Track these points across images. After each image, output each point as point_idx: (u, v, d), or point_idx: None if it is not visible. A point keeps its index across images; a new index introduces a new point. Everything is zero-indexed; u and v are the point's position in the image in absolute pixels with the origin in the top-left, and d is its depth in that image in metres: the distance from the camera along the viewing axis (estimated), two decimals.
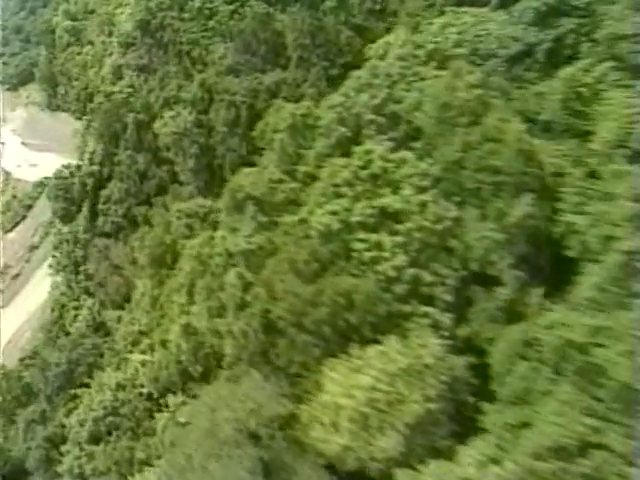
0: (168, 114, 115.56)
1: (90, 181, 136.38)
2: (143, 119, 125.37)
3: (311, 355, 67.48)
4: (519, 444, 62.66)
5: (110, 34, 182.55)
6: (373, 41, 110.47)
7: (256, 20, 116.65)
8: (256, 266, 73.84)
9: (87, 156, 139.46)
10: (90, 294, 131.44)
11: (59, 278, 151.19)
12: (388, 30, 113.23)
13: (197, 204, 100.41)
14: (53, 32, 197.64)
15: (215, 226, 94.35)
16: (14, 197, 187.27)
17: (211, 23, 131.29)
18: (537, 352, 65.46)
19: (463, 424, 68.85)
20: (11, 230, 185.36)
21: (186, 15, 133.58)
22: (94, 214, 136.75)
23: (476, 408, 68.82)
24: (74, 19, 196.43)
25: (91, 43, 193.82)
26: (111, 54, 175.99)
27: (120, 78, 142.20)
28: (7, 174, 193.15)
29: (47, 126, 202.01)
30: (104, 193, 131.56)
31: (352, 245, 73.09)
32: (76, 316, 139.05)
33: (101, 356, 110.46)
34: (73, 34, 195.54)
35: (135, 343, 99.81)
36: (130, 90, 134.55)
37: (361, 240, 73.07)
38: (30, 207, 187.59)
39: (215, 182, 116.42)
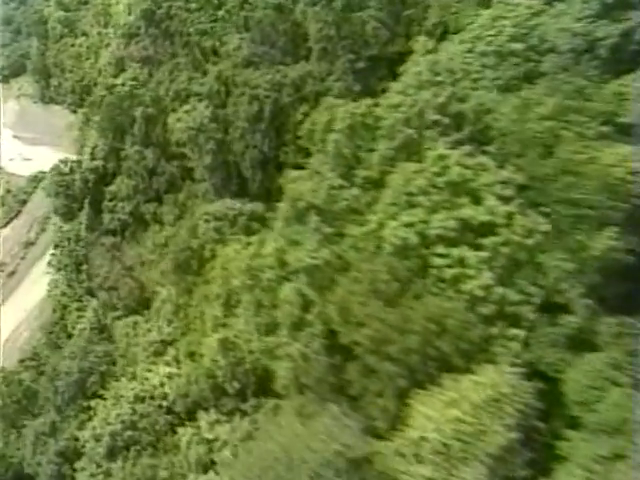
0: (182, 108, 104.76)
1: (93, 177, 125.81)
2: (152, 113, 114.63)
3: (394, 386, 57.97)
4: (612, 478, 53.81)
5: (106, 25, 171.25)
6: (407, 36, 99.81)
7: (275, 10, 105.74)
8: (321, 283, 63.53)
9: (88, 151, 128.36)
10: (94, 295, 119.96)
11: (59, 277, 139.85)
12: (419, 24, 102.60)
13: (226, 206, 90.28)
14: (45, 23, 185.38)
15: (248, 230, 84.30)
16: (8, 192, 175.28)
17: (220, 13, 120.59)
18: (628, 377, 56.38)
19: (539, 452, 60.06)
20: (5, 226, 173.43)
21: (193, 5, 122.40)
22: (98, 211, 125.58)
23: (554, 435, 59.54)
24: (67, 10, 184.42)
25: (85, 34, 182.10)
26: (108, 45, 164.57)
27: (122, 70, 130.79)
28: (0, 169, 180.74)
29: (40, 119, 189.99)
30: (110, 189, 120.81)
31: (431, 261, 63.36)
32: (79, 317, 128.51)
33: (114, 364, 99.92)
34: (66, 25, 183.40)
35: (157, 353, 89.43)
36: (134, 83, 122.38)
37: (441, 255, 64.66)
38: (25, 202, 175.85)
39: (232, 180, 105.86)
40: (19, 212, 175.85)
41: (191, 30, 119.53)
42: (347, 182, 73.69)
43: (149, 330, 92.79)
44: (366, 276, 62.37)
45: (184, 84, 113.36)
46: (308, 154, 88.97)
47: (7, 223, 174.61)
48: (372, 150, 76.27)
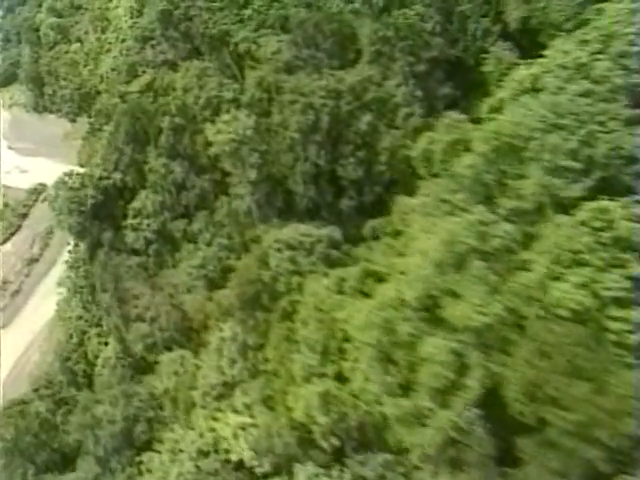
0: (221, 118, 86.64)
1: (110, 192, 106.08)
2: (180, 123, 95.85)
3: (595, 471, 41.45)
4: None
5: (104, 30, 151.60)
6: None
7: (322, 11, 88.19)
8: (489, 343, 46.68)
9: (99, 163, 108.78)
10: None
11: (72, 299, 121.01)
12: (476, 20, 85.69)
13: (300, 232, 72.52)
14: (37, 30, 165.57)
15: (328, 261, 67.03)
16: (6, 206, 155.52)
17: (247, 12, 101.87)
18: None
19: None
20: (5, 242, 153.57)
21: (216, 4, 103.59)
22: (117, 229, 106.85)
23: None
24: (60, 16, 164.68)
25: (80, 40, 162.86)
26: (109, 51, 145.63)
27: (135, 76, 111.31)
28: None
29: (35, 129, 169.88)
30: (133, 206, 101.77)
31: (607, 325, 50.50)
32: (100, 343, 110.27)
33: (161, 408, 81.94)
34: (59, 31, 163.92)
35: (221, 398, 71.76)
36: (154, 90, 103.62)
37: (617, 319, 51.67)
38: (25, 216, 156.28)
39: (276, 195, 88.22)
40: (19, 227, 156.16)
41: (214, 32, 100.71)
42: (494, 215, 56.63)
43: (206, 370, 74.73)
44: (557, 350, 45.95)
45: (214, 91, 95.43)
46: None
47: (7, 239, 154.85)
48: (520, 176, 59.16)
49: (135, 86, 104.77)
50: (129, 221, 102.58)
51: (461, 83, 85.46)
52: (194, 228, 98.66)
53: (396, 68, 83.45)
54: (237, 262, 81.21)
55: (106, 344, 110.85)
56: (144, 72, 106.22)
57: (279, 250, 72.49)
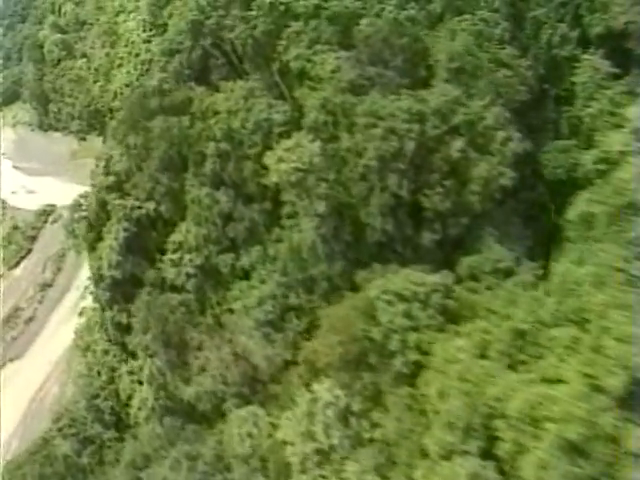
0: (284, 145, 71.21)
1: (145, 223, 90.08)
2: (226, 149, 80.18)
3: None
4: None
5: (113, 45, 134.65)
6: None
7: (391, 24, 73.10)
8: None
9: (131, 190, 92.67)
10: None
11: (98, 333, 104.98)
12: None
13: (411, 280, 57.54)
14: (41, 47, 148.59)
15: (448, 314, 52.55)
16: (15, 228, 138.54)
17: (295, 26, 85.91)
18: None
19: None
20: (16, 266, 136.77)
21: (253, 13, 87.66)
22: (151, 261, 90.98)
23: None
24: (64, 32, 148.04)
25: (85, 56, 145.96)
26: (120, 66, 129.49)
27: (163, 95, 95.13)
28: (2, 202, 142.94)
29: (40, 147, 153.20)
30: (173, 239, 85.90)
31: None
32: (133, 382, 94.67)
33: (228, 470, 66.79)
34: (64, 48, 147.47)
35: (321, 465, 56.79)
36: (191, 112, 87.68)
37: None
38: (34, 239, 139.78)
39: (344, 229, 73.30)
40: (29, 250, 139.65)
41: (257, 48, 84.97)
42: None
43: (290, 433, 59.71)
44: None
45: (264, 114, 79.50)
46: None
47: (18, 263, 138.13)
48: None
49: (169, 108, 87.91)
50: (168, 256, 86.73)
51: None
52: (244, 263, 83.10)
53: (481, 86, 68.52)
54: (324, 311, 65.84)
55: (140, 383, 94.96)
56: (175, 91, 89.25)
57: (390, 303, 57.39)
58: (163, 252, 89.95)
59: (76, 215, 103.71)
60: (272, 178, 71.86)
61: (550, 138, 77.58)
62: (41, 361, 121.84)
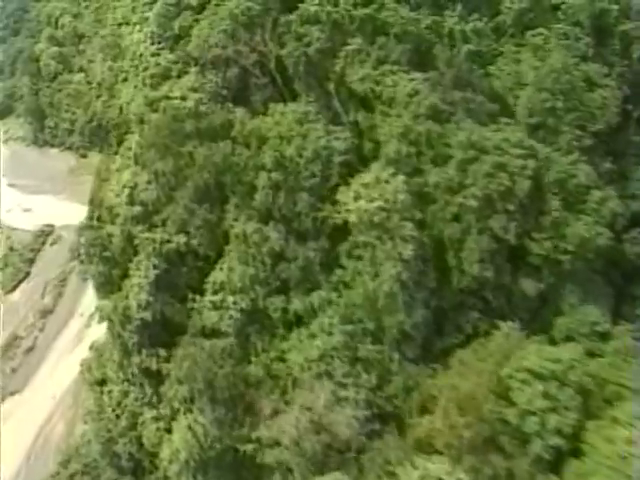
0: (362, 180, 56.36)
1: (174, 258, 74.03)
2: (279, 179, 64.67)
3: None
4: None
5: (115, 58, 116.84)
6: None
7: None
8: None
9: (160, 222, 76.31)
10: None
11: (115, 373, 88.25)
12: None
13: (550, 358, 45.23)
14: (37, 60, 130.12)
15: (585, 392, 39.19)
16: (11, 249, 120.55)
17: (354, 43, 70.34)
18: None
19: None
20: (13, 290, 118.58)
21: (304, 29, 71.79)
22: (181, 300, 74.84)
23: None
24: (61, 45, 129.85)
25: (83, 70, 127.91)
26: (125, 80, 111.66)
27: (199, 117, 78.71)
28: None
29: (36, 164, 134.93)
30: (214, 279, 70.11)
31: None
32: (159, 430, 78.47)
33: None
34: (61, 61, 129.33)
35: None
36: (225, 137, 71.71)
37: None
38: (32, 261, 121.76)
39: (428, 275, 58.50)
40: (27, 274, 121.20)
41: (305, 62, 69.24)
42: None
43: None
44: None
45: (323, 141, 64.04)
46: None
47: (15, 287, 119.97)
48: None
49: (206, 133, 71.72)
50: (209, 297, 70.61)
51: None
52: (297, 307, 67.52)
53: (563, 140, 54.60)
54: (436, 382, 51.21)
55: (168, 431, 78.83)
56: (212, 113, 73.05)
57: (525, 382, 43.81)
58: (198, 291, 73.34)
59: (83, 239, 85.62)
60: (350, 217, 56.04)
61: (634, 163, 64.08)
62: (44, 395, 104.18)
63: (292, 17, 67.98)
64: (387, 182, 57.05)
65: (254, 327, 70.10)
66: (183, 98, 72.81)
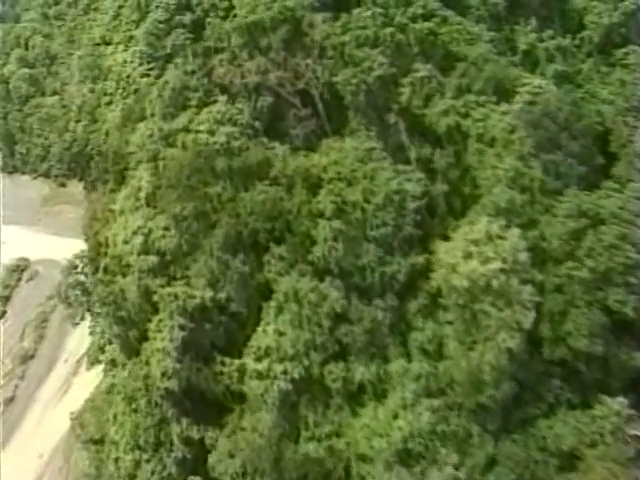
0: (465, 235, 43.30)
1: (197, 316, 56.59)
2: (340, 229, 48.27)
3: None
4: None
5: (96, 80, 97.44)
6: None
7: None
8: None
9: (181, 274, 58.67)
10: None
11: (120, 437, 69.74)
12: None
13: None
14: (6, 82, 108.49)
15: None
16: None
17: (417, 65, 54.03)
18: None
19: None
20: None
21: (337, 30, 55.23)
22: (206, 362, 57.63)
23: None
24: (32, 67, 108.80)
25: (57, 93, 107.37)
26: (110, 103, 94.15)
27: (247, 149, 60.81)
28: None
29: (6, 192, 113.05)
30: (258, 343, 53.42)
31: None
32: None
33: None
34: (32, 83, 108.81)
35: None
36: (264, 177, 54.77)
37: None
38: (8, 299, 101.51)
39: (541, 346, 43.50)
40: (3, 313, 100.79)
41: (365, 90, 52.75)
42: None
43: None
44: None
45: (394, 183, 48.21)
46: None
47: None
48: None
49: (239, 172, 54.34)
50: (251, 364, 53.35)
51: None
52: (363, 377, 51.01)
53: None
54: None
55: None
56: (246, 149, 55.67)
57: None
58: (226, 353, 56.02)
59: (71, 279, 71.80)
60: (458, 281, 40.06)
61: None
62: (29, 454, 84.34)
63: (345, 38, 50.52)
64: (501, 238, 41.16)
65: (305, 397, 52.81)
66: (211, 132, 54.73)
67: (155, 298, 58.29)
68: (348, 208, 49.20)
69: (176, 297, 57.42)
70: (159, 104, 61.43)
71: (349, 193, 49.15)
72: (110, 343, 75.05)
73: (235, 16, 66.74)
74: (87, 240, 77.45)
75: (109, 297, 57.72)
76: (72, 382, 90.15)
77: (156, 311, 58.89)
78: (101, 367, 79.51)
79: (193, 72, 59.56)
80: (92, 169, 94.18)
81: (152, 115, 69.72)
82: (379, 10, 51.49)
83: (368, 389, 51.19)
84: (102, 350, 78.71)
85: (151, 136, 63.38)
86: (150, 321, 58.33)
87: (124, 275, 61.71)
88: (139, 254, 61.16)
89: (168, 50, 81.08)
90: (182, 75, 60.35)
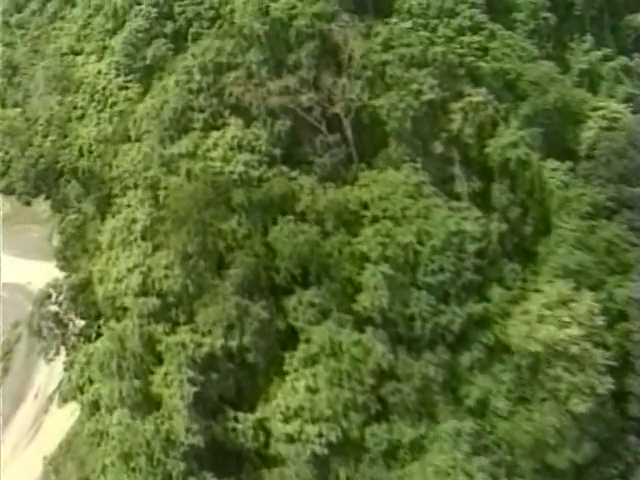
0: (539, 299, 34.94)
1: (217, 367, 45.39)
2: (389, 274, 37.77)
3: None
4: None
5: (65, 92, 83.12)
6: None
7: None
8: None
9: (185, 318, 46.98)
10: None
11: None
12: None
13: None
14: None
15: None
16: None
17: (467, 89, 44.00)
18: None
19: None
20: None
21: (377, 47, 44.71)
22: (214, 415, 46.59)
23: None
24: None
25: (19, 105, 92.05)
26: (82, 117, 79.52)
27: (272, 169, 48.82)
28: None
29: None
30: (286, 402, 42.38)
31: None
32: None
33: None
34: None
35: None
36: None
37: None
38: None
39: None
40: None
41: (407, 112, 42.38)
42: None
43: None
44: None
45: (451, 223, 38.46)
46: None
47: None
48: None
49: (259, 205, 42.98)
50: (279, 427, 42.33)
51: None
52: (409, 439, 41.00)
53: None
54: None
55: None
56: (266, 180, 44.37)
57: None
58: (237, 407, 44.87)
59: (44, 310, 59.78)
60: (534, 347, 30.56)
61: None
62: None
63: (387, 56, 39.99)
64: (574, 301, 32.44)
65: (341, 458, 42.27)
66: (225, 160, 42.97)
67: (159, 348, 45.80)
68: (398, 251, 38.40)
69: (184, 346, 45.29)
70: (156, 125, 48.98)
71: (399, 234, 38.41)
72: (91, 383, 61.63)
73: (221, 27, 55.36)
74: (62, 269, 64.44)
75: (107, 348, 45.05)
76: (43, 420, 75.81)
77: (159, 361, 46.46)
78: (74, 405, 66.43)
79: (199, 91, 47.30)
80: (61, 187, 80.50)
81: (139, 137, 57.16)
82: (420, 21, 41.01)
83: (416, 450, 40.71)
84: (81, 390, 64.83)
85: (146, 161, 50.65)
86: (152, 373, 45.93)
87: (118, 319, 49.02)
88: (137, 296, 48.77)
89: (148, 61, 68.88)
90: (186, 94, 47.97)
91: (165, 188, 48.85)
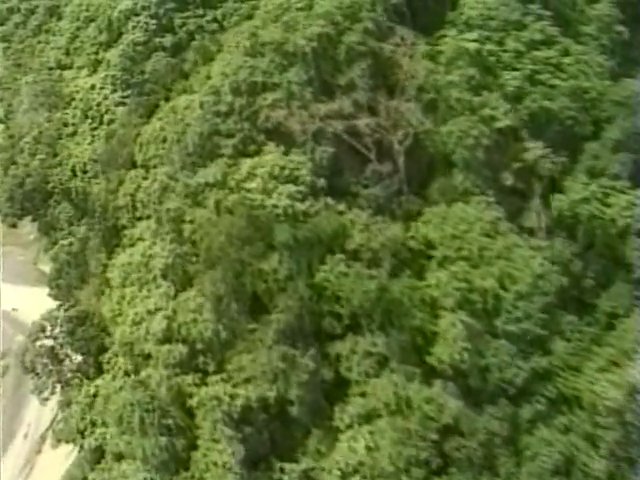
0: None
1: (257, 421, 37.06)
2: (466, 323, 30.31)
3: None
4: None
5: (54, 108, 72.37)
6: None
7: None
8: None
9: (215, 367, 38.50)
10: None
11: None
12: None
13: None
14: None
15: None
16: None
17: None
18: None
19: None
20: None
21: (441, 68, 37.27)
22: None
23: None
24: None
25: (1, 121, 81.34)
26: (74, 134, 69.05)
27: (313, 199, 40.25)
28: None
29: None
30: (342, 458, 35.89)
31: None
32: None
33: None
34: None
35: None
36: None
37: None
38: None
39: None
40: None
41: (479, 141, 35.08)
42: None
43: None
44: None
45: (536, 265, 31.80)
46: None
47: None
48: None
49: (306, 243, 34.90)
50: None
51: None
52: None
53: None
54: None
55: None
56: (315, 214, 36.30)
57: None
58: (278, 457, 37.25)
59: (37, 344, 52.56)
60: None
61: None
62: None
63: (454, 77, 32.57)
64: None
65: None
66: (266, 192, 34.55)
67: (190, 402, 37.01)
68: (476, 296, 30.74)
69: (218, 400, 36.61)
70: (178, 151, 40.01)
71: (478, 277, 30.78)
72: (94, 425, 52.21)
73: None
74: (56, 298, 55.44)
75: (127, 400, 36.04)
76: (35, 461, 65.60)
77: (190, 416, 37.69)
78: (69, 446, 57.31)
79: (228, 114, 38.71)
80: (50, 208, 70.72)
81: (147, 163, 48.16)
82: (486, 33, 33.74)
83: None
84: (82, 434, 55.11)
85: (164, 191, 41.68)
86: (191, 431, 37.14)
87: (137, 371, 39.85)
88: (161, 342, 39.57)
89: (146, 76, 60.78)
90: (211, 116, 39.30)
91: (191, 222, 39.96)
